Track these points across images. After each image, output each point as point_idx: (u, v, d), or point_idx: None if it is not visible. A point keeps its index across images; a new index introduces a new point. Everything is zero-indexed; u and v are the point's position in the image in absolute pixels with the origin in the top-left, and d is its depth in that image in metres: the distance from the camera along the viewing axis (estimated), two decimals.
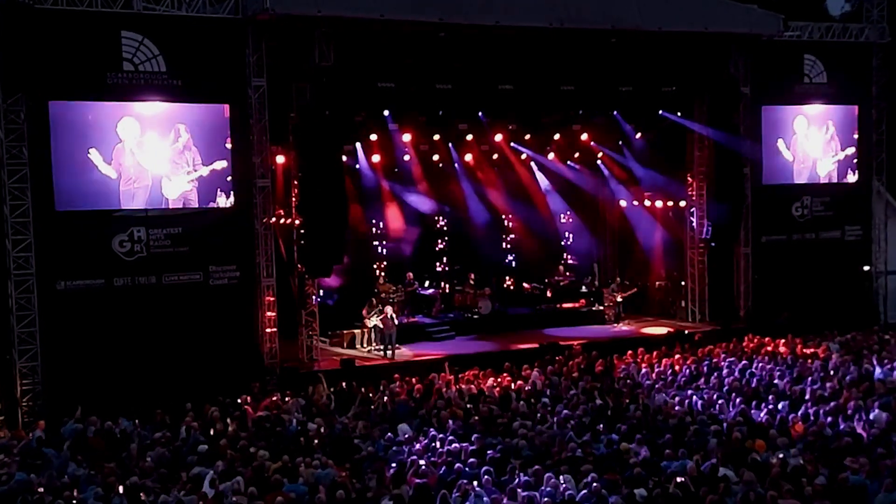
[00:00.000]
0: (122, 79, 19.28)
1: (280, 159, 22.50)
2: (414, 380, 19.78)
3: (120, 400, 17.83)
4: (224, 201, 20.34)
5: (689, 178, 26.30)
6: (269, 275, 20.92)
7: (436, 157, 26.88)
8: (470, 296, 26.71)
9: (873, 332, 24.00)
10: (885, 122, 27.04)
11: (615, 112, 25.88)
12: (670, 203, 27.13)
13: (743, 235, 25.65)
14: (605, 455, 14.54)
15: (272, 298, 20.96)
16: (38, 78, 18.55)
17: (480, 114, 24.77)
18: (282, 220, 22.24)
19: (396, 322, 23.12)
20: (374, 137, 24.61)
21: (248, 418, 17.11)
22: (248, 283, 20.66)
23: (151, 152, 19.72)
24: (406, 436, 15.86)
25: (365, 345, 23.70)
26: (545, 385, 19.37)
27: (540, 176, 28.65)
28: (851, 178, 26.98)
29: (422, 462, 14.12)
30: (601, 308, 27.16)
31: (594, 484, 12.72)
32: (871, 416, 16.02)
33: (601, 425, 16.12)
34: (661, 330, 25.54)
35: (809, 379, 18.81)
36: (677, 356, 21.55)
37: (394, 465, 14.25)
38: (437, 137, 25.86)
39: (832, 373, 19.30)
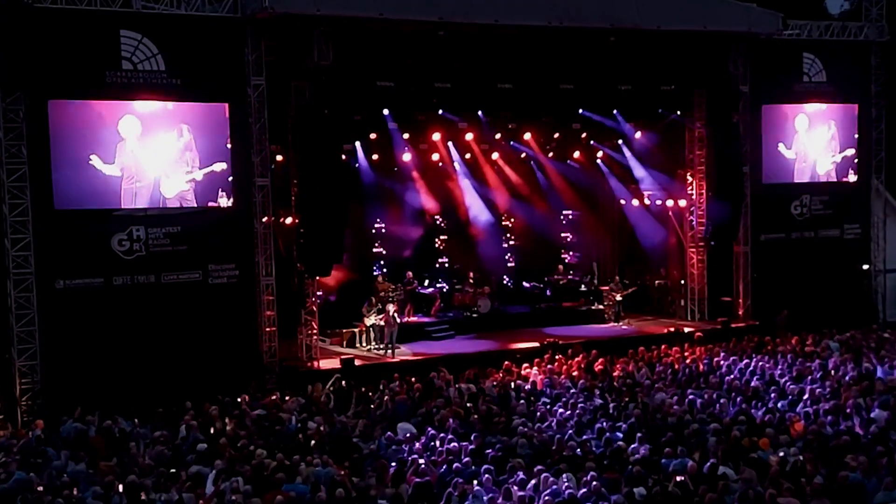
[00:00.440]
0: (121, 78, 19.27)
1: (279, 158, 22.48)
2: (413, 379, 19.79)
3: (119, 399, 17.84)
4: (225, 202, 20.33)
5: (688, 177, 26.31)
6: (269, 274, 20.91)
7: (435, 156, 26.87)
8: (469, 295, 26.71)
9: (872, 331, 24.02)
10: (885, 120, 27.04)
11: (615, 111, 25.87)
12: (670, 202, 27.14)
13: (742, 234, 25.66)
14: (605, 454, 14.54)
15: (271, 297, 20.96)
16: (38, 77, 18.54)
17: (480, 112, 24.77)
18: (281, 219, 22.23)
19: (398, 320, 23.13)
20: (373, 136, 24.62)
21: (247, 417, 17.10)
22: (248, 282, 20.66)
23: (152, 151, 19.71)
24: (407, 434, 15.86)
25: (364, 344, 23.70)
26: (545, 384, 19.38)
27: (539, 175, 28.64)
28: (851, 177, 26.97)
29: (421, 461, 14.12)
30: (601, 307, 27.17)
31: (594, 483, 12.72)
32: (871, 415, 16.01)
33: (601, 424, 16.11)
34: (661, 329, 25.52)
35: (809, 378, 18.82)
36: (677, 355, 21.56)
37: (393, 464, 14.25)
38: (436, 136, 25.85)
39: (832, 371, 19.30)
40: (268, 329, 20.91)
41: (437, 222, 28.03)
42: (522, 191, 28.57)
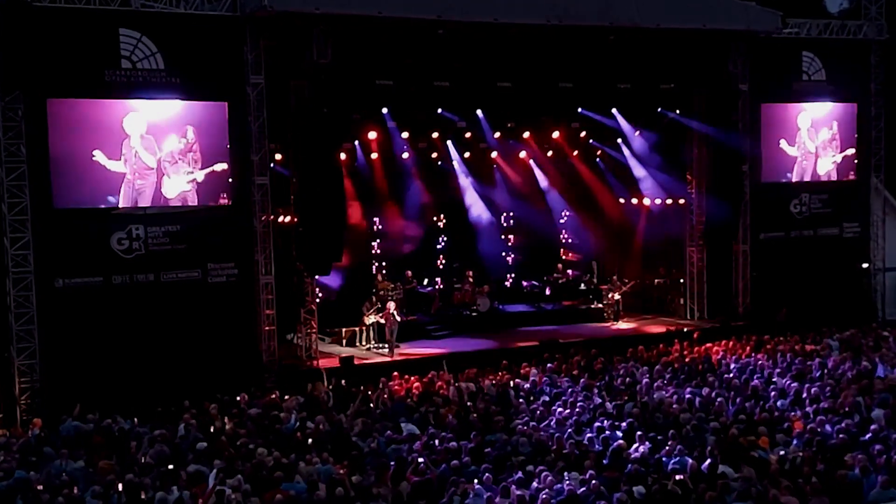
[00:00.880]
0: (121, 76, 19.25)
1: (278, 157, 22.47)
2: (413, 378, 19.80)
3: (118, 398, 17.82)
4: (226, 202, 20.33)
5: (687, 176, 26.32)
6: (268, 272, 20.90)
7: (434, 155, 26.87)
8: (469, 293, 26.70)
9: (871, 329, 24.02)
10: (884, 119, 27.05)
11: (614, 109, 25.87)
12: (669, 200, 27.14)
13: (741, 233, 25.66)
14: (604, 453, 14.54)
15: (271, 296, 20.95)
16: (37, 75, 18.52)
17: (479, 111, 24.76)
18: (280, 218, 22.21)
19: (399, 319, 23.15)
20: (372, 135, 24.60)
21: (246, 416, 17.09)
22: (247, 280, 20.65)
23: (156, 150, 19.72)
24: (408, 433, 15.85)
25: (364, 342, 23.71)
26: (544, 383, 19.38)
27: (538, 174, 28.64)
28: (850, 177, 26.95)
29: (421, 460, 14.12)
30: (600, 306, 27.17)
31: (593, 481, 12.73)
32: (870, 414, 16.01)
33: (600, 423, 16.11)
34: (660, 328, 25.54)
35: (808, 376, 18.82)
36: (676, 354, 21.56)
37: (392, 463, 14.25)
38: (435, 135, 25.84)
39: (831, 370, 19.30)
40: (267, 328, 20.90)
41: (437, 221, 28.02)
42: (521, 190, 28.58)
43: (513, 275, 28.66)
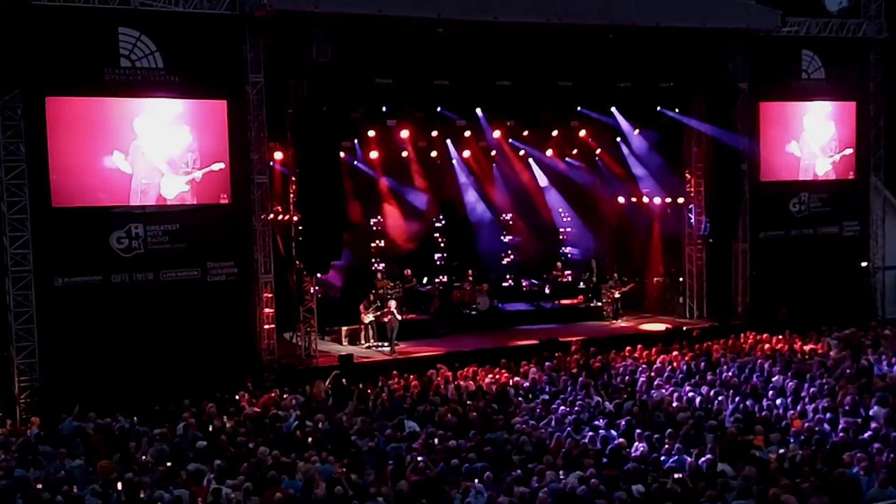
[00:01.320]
0: (120, 75, 19.24)
1: (278, 155, 22.47)
2: (412, 376, 19.81)
3: (118, 397, 17.82)
4: (226, 201, 20.32)
5: (687, 175, 26.32)
6: (267, 271, 20.90)
7: (434, 154, 26.87)
8: (468, 292, 26.70)
9: (871, 328, 24.03)
10: (883, 117, 27.04)
11: (613, 108, 25.86)
12: (668, 199, 27.13)
13: (741, 231, 25.65)
14: (604, 451, 14.55)
15: (270, 295, 20.95)
16: (36, 74, 18.51)
17: (479, 110, 24.76)
18: (280, 217, 22.22)
19: (399, 317, 23.16)
20: (371, 134, 24.60)
21: (246, 415, 17.10)
22: (246, 279, 20.65)
23: (157, 150, 19.74)
24: (409, 431, 15.86)
25: (363, 341, 23.71)
26: (543, 381, 19.39)
27: (538, 172, 28.64)
28: (849, 176, 26.94)
29: (420, 458, 14.12)
30: (599, 304, 27.17)
31: (592, 480, 12.73)
32: (869, 412, 16.02)
33: (599, 421, 16.12)
34: (660, 326, 25.55)
35: (808, 375, 18.82)
36: (675, 352, 21.56)
37: (391, 462, 14.26)
38: (435, 134, 25.84)
39: (830, 369, 19.30)
40: (266, 327, 20.90)
41: (436, 220, 28.02)
42: (521, 188, 28.57)
43: (512, 273, 28.65)
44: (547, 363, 20.68)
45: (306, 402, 18.30)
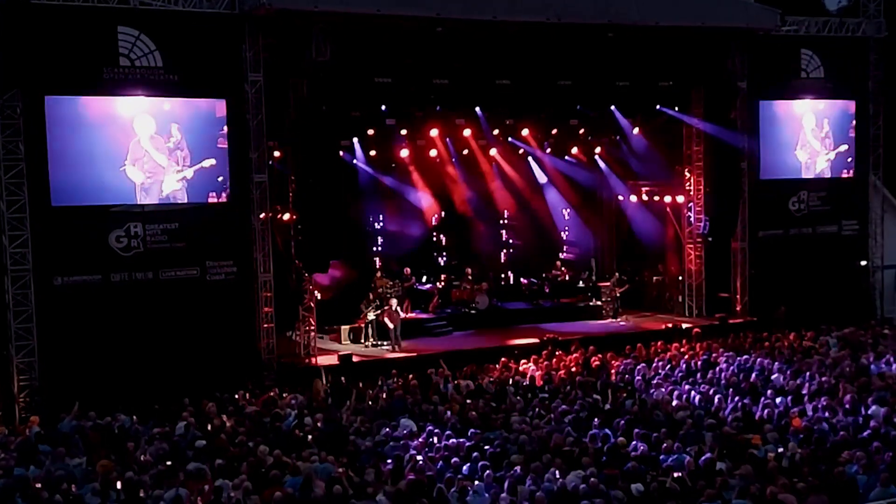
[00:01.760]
0: (119, 74, 19.24)
1: (277, 155, 22.46)
2: (411, 375, 19.82)
3: (117, 396, 17.82)
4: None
5: (686, 173, 26.32)
6: (267, 270, 20.90)
7: (433, 153, 26.87)
8: (467, 291, 26.71)
9: (870, 327, 24.05)
10: (882, 116, 27.05)
11: (613, 107, 25.86)
12: (668, 198, 27.13)
13: (740, 230, 25.67)
14: (603, 450, 14.56)
15: (269, 294, 20.95)
16: (35, 73, 18.51)
17: (478, 109, 24.76)
18: (279, 216, 22.22)
19: (401, 315, 23.17)
20: (371, 133, 24.58)
21: (245, 414, 17.10)
22: (245, 278, 20.65)
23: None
24: (405, 431, 15.86)
25: (363, 340, 23.71)
26: (543, 380, 19.40)
27: (537, 171, 28.64)
28: (846, 174, 26.93)
29: (419, 457, 14.13)
30: (599, 303, 27.18)
31: (592, 479, 12.74)
32: (868, 411, 16.03)
33: (598, 420, 16.12)
34: (659, 325, 25.54)
35: (807, 374, 18.84)
36: (674, 351, 21.57)
37: (390, 460, 14.26)
38: (434, 132, 25.84)
39: (829, 368, 19.32)
40: (265, 326, 20.90)
41: (435, 218, 28.02)
42: (520, 187, 28.57)
43: (511, 272, 28.66)
44: (546, 362, 20.69)
45: (305, 400, 18.29)
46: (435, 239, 28.21)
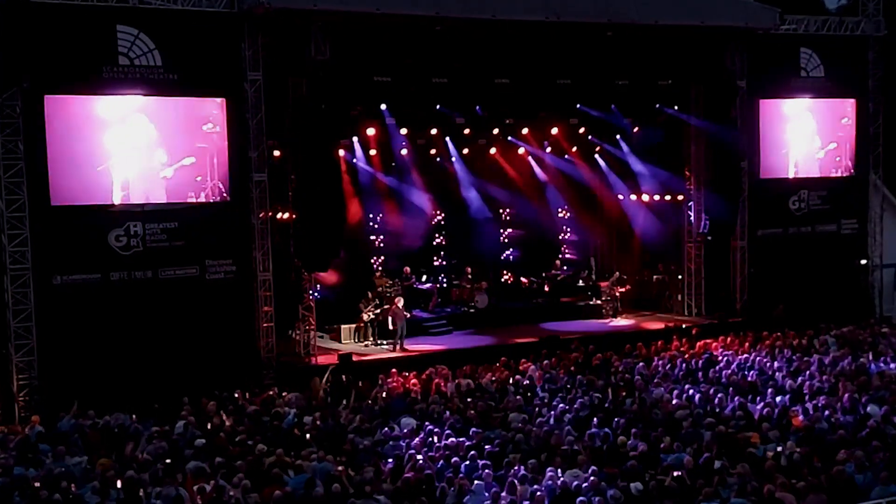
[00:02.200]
0: (118, 73, 19.22)
1: (277, 154, 22.45)
2: (411, 374, 19.82)
3: (116, 394, 17.82)
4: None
5: (686, 172, 26.32)
6: (266, 269, 20.88)
7: (433, 151, 26.87)
8: (467, 290, 26.72)
9: (869, 326, 24.05)
10: (882, 115, 27.04)
11: (612, 106, 25.85)
12: (667, 197, 27.13)
13: (739, 229, 25.65)
14: (603, 449, 14.56)
15: (269, 293, 20.94)
16: (34, 72, 18.48)
17: (477, 108, 24.75)
18: (278, 215, 22.21)
19: (406, 314, 23.19)
20: (370, 132, 24.57)
21: (245, 412, 17.10)
22: (245, 277, 20.63)
23: (151, 147, 19.70)
24: (406, 430, 15.86)
25: (363, 339, 23.71)
26: (543, 379, 19.40)
27: (537, 170, 28.64)
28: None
29: (419, 457, 14.13)
30: (598, 302, 27.18)
31: (592, 477, 12.74)
32: (867, 410, 16.04)
33: (598, 419, 16.13)
34: (659, 324, 25.54)
35: (807, 372, 18.85)
36: (674, 350, 21.58)
37: (390, 459, 14.27)
38: (434, 131, 25.83)
39: (829, 366, 19.33)
40: (265, 325, 20.89)
41: (435, 218, 28.02)
42: (520, 186, 28.56)
43: (511, 271, 28.65)
44: (546, 361, 20.70)
45: (305, 399, 18.29)
46: (434, 238, 28.19)
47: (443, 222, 28.18)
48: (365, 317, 23.62)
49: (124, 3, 19.06)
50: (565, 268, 28.77)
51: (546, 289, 27.92)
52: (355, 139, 24.69)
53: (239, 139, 20.39)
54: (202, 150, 20.13)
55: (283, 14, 19.88)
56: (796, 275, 25.88)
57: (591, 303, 27.40)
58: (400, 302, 23.24)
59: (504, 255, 29.08)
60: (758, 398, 17.31)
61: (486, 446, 14.61)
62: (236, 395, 18.25)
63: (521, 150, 28.12)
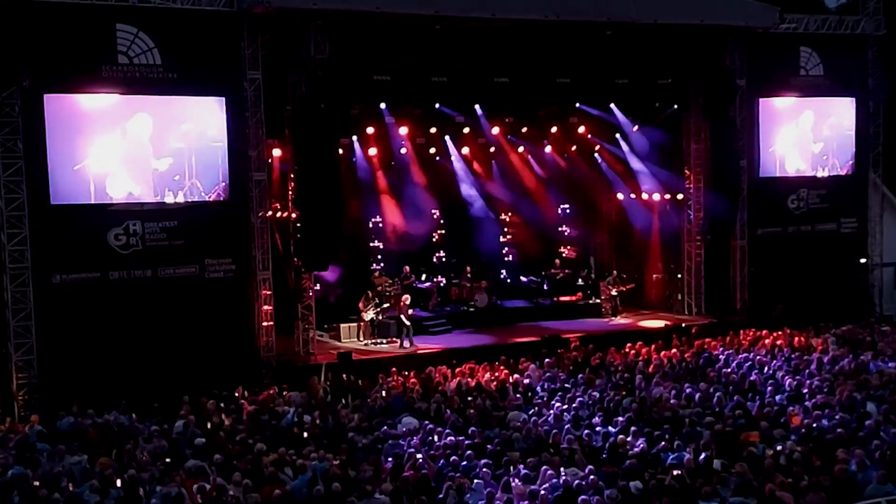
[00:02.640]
0: (117, 72, 19.21)
1: (276, 152, 22.45)
2: (411, 373, 19.81)
3: (116, 393, 17.80)
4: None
5: (685, 171, 26.30)
6: (266, 268, 20.88)
7: (432, 150, 26.86)
8: (466, 289, 26.71)
9: (869, 324, 24.04)
10: (882, 114, 27.03)
11: (612, 105, 25.85)
12: (667, 196, 27.12)
13: (739, 228, 25.64)
14: (602, 448, 14.56)
15: (268, 292, 20.94)
16: (34, 71, 18.47)
17: (477, 106, 24.76)
18: (278, 214, 22.21)
19: (411, 312, 23.22)
20: (370, 130, 24.58)
21: (244, 411, 17.10)
22: (244, 276, 20.63)
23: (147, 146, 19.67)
24: (405, 430, 15.85)
25: (363, 338, 23.72)
26: (542, 378, 19.40)
27: (537, 169, 28.62)
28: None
29: (419, 455, 14.12)
30: (598, 301, 27.17)
31: (591, 476, 12.74)
32: (866, 409, 16.03)
33: (597, 418, 16.13)
34: (658, 323, 25.53)
35: (806, 371, 18.84)
36: (674, 349, 21.57)
37: (390, 458, 14.26)
38: (433, 130, 25.82)
39: (828, 365, 19.32)
40: (265, 323, 20.89)
41: (434, 217, 28.01)
42: (519, 185, 28.54)
43: (511, 270, 28.63)
44: (546, 360, 20.69)
45: (304, 398, 18.29)
46: (434, 237, 28.18)
47: (442, 221, 28.16)
48: (365, 316, 23.61)
49: (124, 2, 19.06)
50: (565, 267, 28.72)
51: (545, 288, 27.91)
52: (355, 138, 24.69)
53: (238, 138, 20.37)
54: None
55: (282, 13, 19.88)
56: (796, 274, 25.87)
57: (591, 302, 27.38)
58: (408, 299, 23.34)
59: (503, 254, 29.04)
60: (757, 397, 17.28)
61: (486, 445, 14.59)
62: (236, 394, 18.24)
63: (521, 149, 28.10)
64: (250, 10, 19.81)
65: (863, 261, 27.30)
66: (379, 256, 26.98)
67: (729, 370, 19.29)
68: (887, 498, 12.16)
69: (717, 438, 14.57)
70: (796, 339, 21.96)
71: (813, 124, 26.52)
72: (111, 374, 18.79)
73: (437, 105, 24.19)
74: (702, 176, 25.80)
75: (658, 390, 18.00)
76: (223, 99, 20.26)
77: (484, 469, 13.32)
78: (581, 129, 27.42)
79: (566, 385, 18.77)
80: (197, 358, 19.55)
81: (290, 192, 21.87)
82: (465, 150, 27.30)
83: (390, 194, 26.83)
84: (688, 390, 17.87)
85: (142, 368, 19.09)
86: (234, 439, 15.36)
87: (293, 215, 21.75)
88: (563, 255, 29.48)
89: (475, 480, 12.99)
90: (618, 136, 27.43)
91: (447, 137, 26.53)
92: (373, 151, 25.46)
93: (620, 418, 15.95)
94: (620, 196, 28.92)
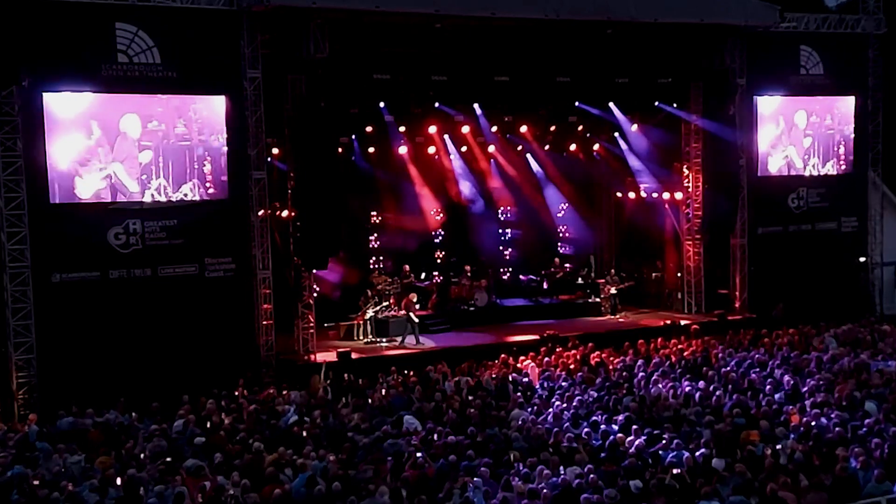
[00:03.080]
0: (117, 71, 19.20)
1: (276, 151, 22.44)
2: (411, 373, 19.80)
3: (116, 392, 17.81)
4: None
5: (685, 170, 26.30)
6: (265, 267, 20.88)
7: (432, 149, 26.84)
8: (466, 288, 26.69)
9: (869, 324, 24.03)
10: (882, 113, 27.02)
11: (611, 103, 25.85)
12: (666, 194, 27.12)
13: (739, 227, 25.65)
14: (602, 446, 14.56)
15: (268, 291, 20.94)
16: (33, 70, 18.46)
17: (476, 105, 24.75)
18: (278, 213, 22.20)
19: (412, 312, 23.28)
20: (369, 129, 24.57)
21: (244, 411, 17.09)
22: (244, 275, 20.63)
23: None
24: (406, 428, 15.85)
25: (362, 337, 23.71)
26: (542, 377, 19.40)
27: (536, 167, 28.62)
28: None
29: (419, 454, 14.12)
30: (597, 300, 27.17)
31: (591, 475, 12.74)
32: (866, 407, 16.04)
33: (597, 417, 16.13)
34: (658, 322, 25.53)
35: (806, 370, 18.84)
36: (674, 348, 21.57)
37: (390, 457, 14.26)
38: (433, 129, 25.81)
39: (828, 364, 19.32)
40: (265, 322, 20.89)
41: (434, 215, 28.00)
42: (519, 184, 28.54)
43: (510, 269, 28.63)
44: (545, 358, 20.69)
45: (304, 397, 18.28)
46: (434, 236, 28.17)
47: (442, 220, 28.15)
48: (365, 315, 23.59)
49: (123, 1, 19.04)
50: (564, 266, 28.71)
51: (545, 287, 27.89)
52: (354, 137, 24.68)
53: (238, 137, 20.36)
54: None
55: (282, 11, 19.87)
56: (796, 273, 25.87)
57: (591, 300, 27.37)
58: (414, 297, 23.38)
59: (503, 252, 29.04)
60: (757, 395, 17.28)
61: (488, 445, 14.59)
62: (236, 393, 18.23)
63: (520, 148, 28.09)
64: (250, 8, 19.80)
65: (863, 260, 27.31)
66: (378, 255, 26.95)
67: (728, 369, 19.28)
68: (887, 497, 12.17)
69: (716, 437, 14.57)
70: (796, 337, 21.96)
71: (813, 123, 26.49)
72: (111, 374, 18.80)
73: (436, 104, 24.19)
74: (701, 174, 25.80)
75: (657, 389, 18.00)
76: (223, 98, 20.25)
77: (483, 468, 13.31)
78: (580, 128, 27.40)
79: (566, 383, 18.75)
80: (196, 357, 19.55)
81: (290, 191, 21.85)
82: (465, 149, 27.28)
83: (389, 193, 26.82)
84: (687, 389, 17.87)
85: (141, 367, 19.09)
86: (234, 438, 15.35)
87: (293, 214, 21.73)
88: (563, 253, 29.47)
89: (475, 479, 12.98)
90: (617, 134, 27.42)
91: (447, 136, 26.52)
92: (372, 150, 25.44)
93: (620, 417, 15.94)
94: (620, 195, 28.92)
